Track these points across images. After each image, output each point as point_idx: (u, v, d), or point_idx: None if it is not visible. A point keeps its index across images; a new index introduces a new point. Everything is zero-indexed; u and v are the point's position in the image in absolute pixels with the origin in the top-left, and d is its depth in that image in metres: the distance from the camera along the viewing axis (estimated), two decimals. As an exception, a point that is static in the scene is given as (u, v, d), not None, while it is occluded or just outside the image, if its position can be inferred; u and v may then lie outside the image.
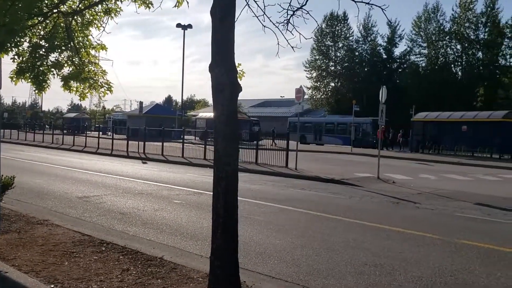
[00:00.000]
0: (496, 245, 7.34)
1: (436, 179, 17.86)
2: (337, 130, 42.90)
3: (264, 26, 4.86)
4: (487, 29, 51.81)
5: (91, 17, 7.20)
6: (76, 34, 7.09)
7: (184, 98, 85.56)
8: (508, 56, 51.83)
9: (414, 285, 5.39)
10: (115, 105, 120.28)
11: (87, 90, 7.45)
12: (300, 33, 4.89)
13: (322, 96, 63.42)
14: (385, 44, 60.96)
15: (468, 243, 7.50)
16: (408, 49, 59.10)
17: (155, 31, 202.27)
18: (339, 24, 62.03)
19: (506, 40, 51.14)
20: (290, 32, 4.80)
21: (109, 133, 41.43)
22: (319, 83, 63.62)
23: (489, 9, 51.65)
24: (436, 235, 8.00)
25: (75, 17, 6.91)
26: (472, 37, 52.74)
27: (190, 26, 44.63)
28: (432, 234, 8.07)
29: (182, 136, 27.77)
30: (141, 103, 38.47)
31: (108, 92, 7.55)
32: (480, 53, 53.30)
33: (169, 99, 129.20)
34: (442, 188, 14.61)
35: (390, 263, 6.25)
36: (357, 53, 61.73)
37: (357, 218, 9.34)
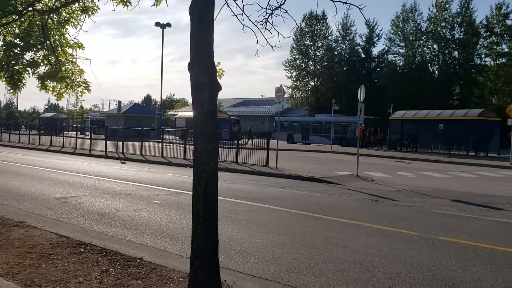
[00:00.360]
0: (472, 241, 7.49)
1: (414, 176, 18.13)
2: (325, 129, 42.77)
3: (243, 25, 4.86)
4: (462, 29, 52.79)
5: (68, 15, 7.11)
6: (52, 32, 6.98)
7: (164, 97, 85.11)
8: (483, 56, 53.02)
9: (393, 281, 5.47)
10: (93, 104, 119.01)
11: (64, 90, 7.35)
12: (279, 32, 4.92)
13: (302, 95, 63.72)
14: (363, 43, 61.62)
15: (445, 239, 7.64)
16: (386, 48, 59.93)
17: (134, 30, 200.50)
18: (318, 24, 62.37)
19: (481, 39, 52.20)
20: (269, 31, 4.83)
21: (87, 133, 40.90)
22: (299, 82, 63.91)
23: (464, 9, 52.64)
24: (414, 231, 8.13)
25: (51, 15, 6.80)
26: (448, 36, 53.67)
27: (169, 25, 44.32)
28: (410, 230, 8.20)
29: (161, 136, 27.56)
30: (119, 102, 38.06)
31: (85, 91, 7.46)
32: (456, 53, 54.27)
33: (148, 99, 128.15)
34: (419, 185, 14.84)
35: (370, 259, 6.32)
36: (336, 53, 62.17)
37: (336, 216, 9.42)
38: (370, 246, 7.06)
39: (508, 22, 50.12)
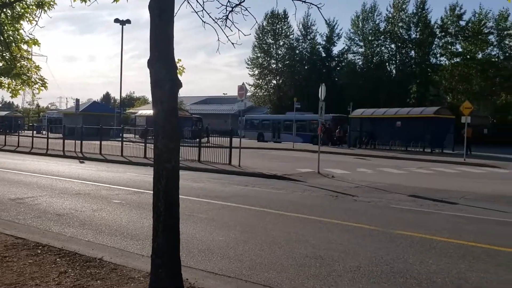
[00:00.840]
0: (428, 235, 7.74)
1: (372, 172, 18.56)
2: (296, 127, 42.67)
3: (204, 22, 4.86)
4: (418, 29, 54.35)
5: (22, 10, 6.87)
6: (5, 27, 6.74)
7: (123, 95, 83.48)
8: (438, 55, 54.72)
9: (352, 275, 5.60)
10: (50, 103, 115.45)
11: (20, 87, 7.13)
12: (239, 30, 4.94)
13: (265, 94, 64.04)
14: (324, 43, 62.46)
15: (403, 233, 7.87)
16: (346, 47, 60.97)
17: (93, 26, 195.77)
18: (279, 23, 62.78)
19: (436, 39, 53.92)
20: (229, 28, 4.83)
21: (44, 132, 39.62)
22: (261, 81, 64.19)
23: (419, 9, 54.21)
24: (373, 226, 8.34)
25: (4, 10, 6.56)
26: (405, 36, 55.15)
27: (128, 21, 43.50)
28: (369, 225, 8.40)
29: (121, 135, 27.07)
30: (77, 100, 37.01)
31: (42, 88, 7.26)
32: (412, 52, 55.83)
33: (107, 97, 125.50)
34: (378, 181, 15.22)
35: (330, 254, 6.44)
36: (297, 51, 62.79)
37: (298, 212, 9.54)
38: (330, 241, 7.19)
39: (462, 23, 52.02)
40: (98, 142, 24.43)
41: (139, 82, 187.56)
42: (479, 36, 49.96)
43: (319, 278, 5.48)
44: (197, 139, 23.59)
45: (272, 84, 64.09)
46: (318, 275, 5.56)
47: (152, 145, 4.45)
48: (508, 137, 43.94)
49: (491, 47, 51.17)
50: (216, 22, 4.82)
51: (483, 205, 10.86)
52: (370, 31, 57.16)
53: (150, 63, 4.26)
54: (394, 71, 57.83)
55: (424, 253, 6.63)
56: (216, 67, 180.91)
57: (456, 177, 17.81)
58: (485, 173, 19.50)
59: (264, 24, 62.41)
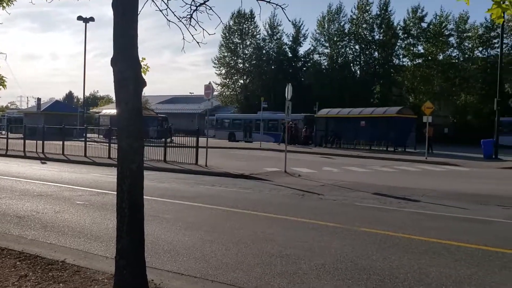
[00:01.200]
0: (391, 231, 7.93)
1: (338, 171, 18.84)
2: (268, 127, 42.12)
3: (169, 21, 4.81)
4: (381, 31, 55.48)
5: (-22, 6, 6.63)
6: (-40, 23, 6.49)
7: (87, 94, 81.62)
8: (401, 56, 56.00)
9: (318, 272, 5.67)
10: (10, 102, 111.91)
11: (-24, 85, 6.87)
12: (203, 29, 4.92)
13: (232, 93, 63.96)
14: (290, 43, 62.90)
15: (367, 230, 8.03)
16: (312, 48, 61.59)
17: (55, 24, 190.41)
18: (246, 22, 62.81)
19: (399, 41, 55.17)
20: (194, 27, 4.81)
21: (4, 132, 38.33)
22: (228, 80, 64.08)
23: (382, 11, 55.35)
24: (338, 224, 8.47)
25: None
26: (369, 38, 56.19)
27: (92, 19, 42.67)
28: (334, 223, 8.53)
29: (84, 135, 26.49)
30: (39, 99, 36.01)
31: (1, 87, 7.02)
32: (376, 53, 56.95)
33: (70, 96, 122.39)
34: (343, 179, 15.46)
35: (296, 253, 6.50)
36: (264, 51, 63.00)
37: (265, 211, 9.58)
38: (296, 240, 7.26)
39: (424, 24, 53.39)
40: (60, 142, 23.84)
41: (103, 81, 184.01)
42: (440, 38, 51.41)
43: (285, 276, 5.52)
44: (163, 139, 23.34)
45: (239, 84, 64.10)
46: (284, 273, 5.61)
47: (116, 145, 4.38)
48: (467, 136, 45.44)
49: (452, 48, 52.75)
50: (180, 21, 4.79)
51: (443, 203, 11.19)
52: (335, 32, 57.93)
53: (114, 62, 4.20)
54: (358, 71, 58.87)
55: (387, 250, 6.78)
56: (183, 66, 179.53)
57: (418, 175, 18.29)
58: (446, 171, 20.10)
59: (231, 23, 62.37)
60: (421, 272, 5.75)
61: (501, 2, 3.42)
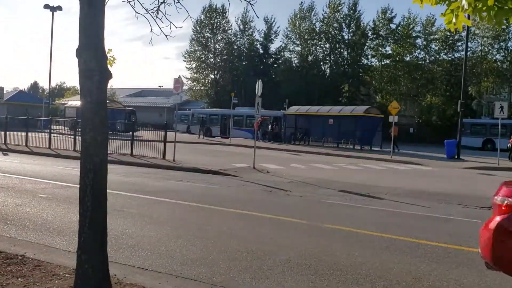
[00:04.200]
0: (355, 228, 8.07)
1: (305, 168, 19.01)
2: (245, 123, 41.26)
3: (137, 12, 4.74)
4: (351, 30, 56.20)
5: None
6: None
7: (53, 84, 79.58)
8: (369, 56, 56.89)
9: (282, 268, 5.72)
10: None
11: None
12: (170, 22, 4.86)
13: (202, 88, 63.52)
14: (262, 39, 62.95)
15: (332, 227, 8.15)
16: (283, 45, 61.80)
17: (20, 11, 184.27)
18: (218, 17, 62.44)
19: (368, 41, 56.03)
20: (160, 20, 4.75)
21: (-38, 121, 36.93)
22: (198, 74, 63.58)
23: (351, 11, 56.06)
24: (304, 220, 8.56)
25: None
26: (338, 37, 56.83)
27: (59, 8, 41.52)
28: (300, 219, 8.62)
29: (49, 126, 25.82)
30: (1, 89, 34.80)
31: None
32: (345, 53, 57.65)
33: (35, 86, 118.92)
34: (311, 176, 15.62)
35: (261, 248, 6.54)
36: (235, 47, 62.84)
37: (232, 207, 9.58)
38: (262, 235, 7.30)
39: (392, 26, 54.36)
40: (24, 134, 23.17)
41: (70, 72, 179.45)
42: (408, 40, 52.46)
43: (249, 271, 5.55)
44: (130, 132, 22.98)
45: (210, 79, 63.71)
46: (249, 269, 5.64)
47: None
48: (431, 136, 46.64)
49: (418, 50, 53.92)
50: (148, 13, 4.72)
51: (406, 201, 11.46)
52: (306, 30, 58.31)
53: (78, 53, 4.11)
54: (328, 70, 59.43)
55: (350, 246, 6.90)
56: (152, 59, 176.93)
57: (383, 173, 18.65)
58: (410, 170, 20.57)
59: (202, 17, 61.90)
60: (383, 268, 5.88)
61: (455, 9, 3.52)
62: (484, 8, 3.50)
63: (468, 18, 3.57)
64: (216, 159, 20.85)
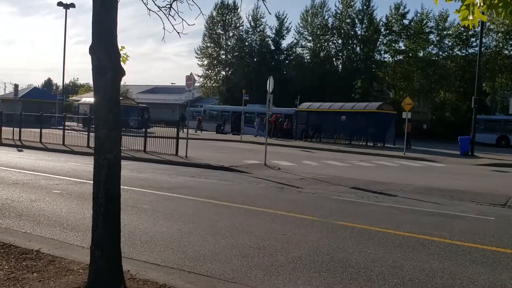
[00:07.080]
0: (367, 225, 8.03)
1: (317, 165, 18.96)
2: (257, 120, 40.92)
3: (149, 10, 4.76)
4: (364, 26, 55.84)
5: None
6: None
7: (67, 81, 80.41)
8: (382, 52, 56.52)
9: (294, 265, 5.72)
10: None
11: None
12: (183, 19, 4.86)
13: (214, 84, 63.63)
14: (273, 35, 62.81)
15: (344, 224, 8.12)
16: (295, 41, 61.62)
17: (34, 8, 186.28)
18: (229, 13, 62.44)
19: (381, 37, 55.61)
20: (173, 17, 4.76)
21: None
22: (210, 71, 63.70)
23: (365, 7, 55.69)
24: (316, 217, 8.55)
25: None
26: (351, 33, 56.49)
27: (73, 5, 41.87)
28: (312, 216, 8.60)
29: (63, 123, 26.08)
30: (16, 86, 35.12)
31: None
32: (358, 48, 57.31)
33: (49, 83, 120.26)
34: (322, 173, 15.58)
35: (273, 245, 6.55)
36: (247, 43, 62.81)
37: (244, 204, 9.60)
38: (274, 232, 7.31)
39: (405, 21, 53.89)
40: (38, 130, 23.45)
41: (83, 68, 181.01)
42: (421, 35, 51.96)
43: (261, 268, 5.56)
44: (143, 129, 23.12)
45: (222, 75, 63.79)
46: (261, 265, 5.64)
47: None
48: (445, 132, 46.20)
49: (432, 46, 53.39)
50: (160, 10, 4.73)
51: (419, 197, 11.38)
52: (319, 26, 58.06)
53: (92, 50, 4.14)
54: (340, 66, 59.15)
55: (363, 243, 6.88)
56: (165, 56, 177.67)
57: (396, 170, 18.53)
58: (423, 167, 20.41)
59: (214, 14, 61.94)
60: (395, 266, 5.85)
61: (470, 5, 3.45)
62: (500, 4, 3.44)
63: (483, 13, 3.47)
64: (227, 156, 20.89)
